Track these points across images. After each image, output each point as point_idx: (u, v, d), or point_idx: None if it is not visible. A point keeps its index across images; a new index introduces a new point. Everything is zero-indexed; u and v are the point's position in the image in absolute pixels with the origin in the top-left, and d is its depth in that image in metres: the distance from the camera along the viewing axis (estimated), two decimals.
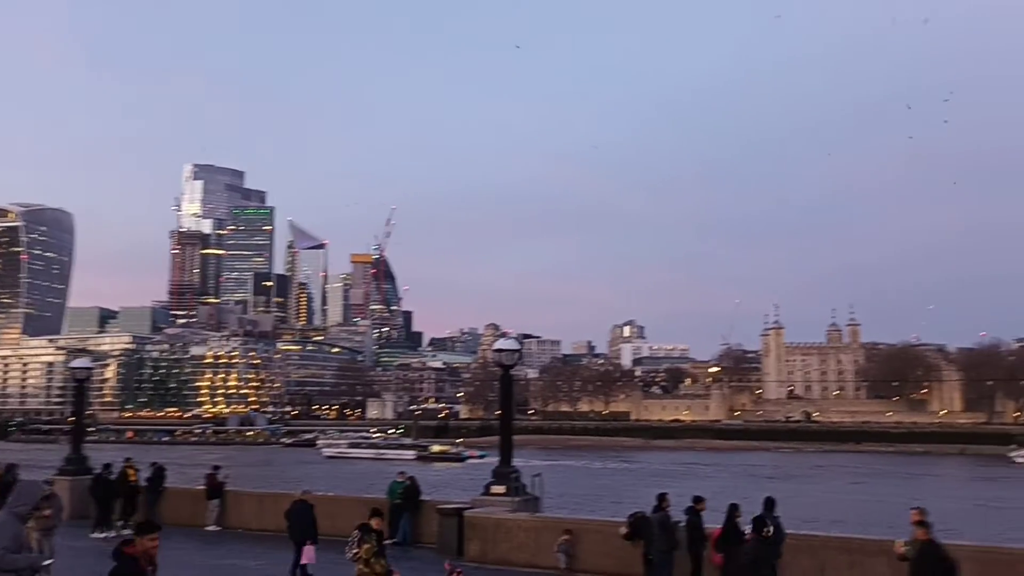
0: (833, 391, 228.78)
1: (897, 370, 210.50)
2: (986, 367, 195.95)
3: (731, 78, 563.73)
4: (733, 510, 16.45)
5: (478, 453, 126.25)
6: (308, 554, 17.52)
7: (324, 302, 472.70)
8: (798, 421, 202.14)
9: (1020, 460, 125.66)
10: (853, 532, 24.36)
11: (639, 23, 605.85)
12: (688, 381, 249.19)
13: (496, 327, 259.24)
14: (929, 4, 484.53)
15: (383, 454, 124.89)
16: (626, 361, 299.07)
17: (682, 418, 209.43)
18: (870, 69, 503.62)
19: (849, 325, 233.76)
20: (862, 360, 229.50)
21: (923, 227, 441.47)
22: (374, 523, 12.72)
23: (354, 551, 11.75)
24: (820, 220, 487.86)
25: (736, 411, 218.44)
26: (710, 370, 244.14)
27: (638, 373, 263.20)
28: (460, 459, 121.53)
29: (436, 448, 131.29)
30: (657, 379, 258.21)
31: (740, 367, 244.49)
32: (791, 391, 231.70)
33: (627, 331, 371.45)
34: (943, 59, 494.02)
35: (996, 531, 48.75)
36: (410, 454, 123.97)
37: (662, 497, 17.32)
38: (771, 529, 14.74)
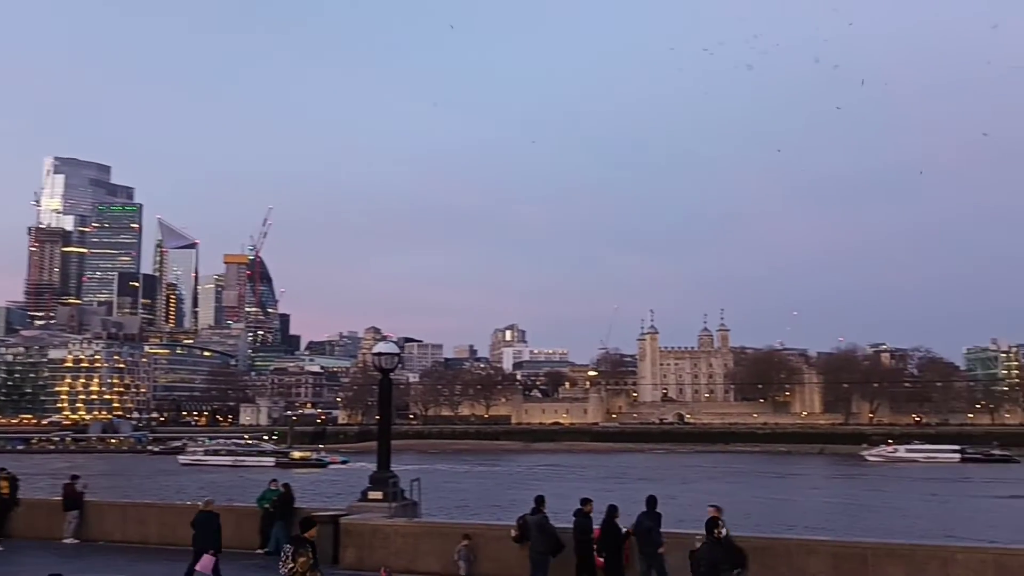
0: (704, 394, 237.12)
1: (763, 373, 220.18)
2: (844, 371, 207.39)
3: (616, 90, 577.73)
4: (612, 511, 16.85)
5: (340, 459, 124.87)
6: (204, 563, 16.89)
7: (195, 304, 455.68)
8: (671, 423, 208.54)
9: (872, 458, 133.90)
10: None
11: (531, 30, 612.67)
12: (567, 384, 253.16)
13: (377, 331, 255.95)
14: (809, 32, 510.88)
15: (241, 461, 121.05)
16: (507, 365, 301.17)
17: (561, 421, 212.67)
18: (744, 90, 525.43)
19: (720, 331, 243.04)
20: (731, 364, 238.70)
21: (791, 240, 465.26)
22: (308, 535, 12.16)
23: (289, 566, 11.14)
24: (697, 230, 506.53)
25: (613, 414, 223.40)
26: (589, 374, 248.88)
27: (519, 377, 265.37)
28: (322, 465, 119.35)
29: (297, 454, 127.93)
30: (537, 383, 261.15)
31: (617, 371, 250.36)
32: (665, 394, 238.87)
33: (509, 335, 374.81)
34: (820, 83, 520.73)
35: (850, 526, 51.74)
36: (270, 461, 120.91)
37: (540, 500, 17.47)
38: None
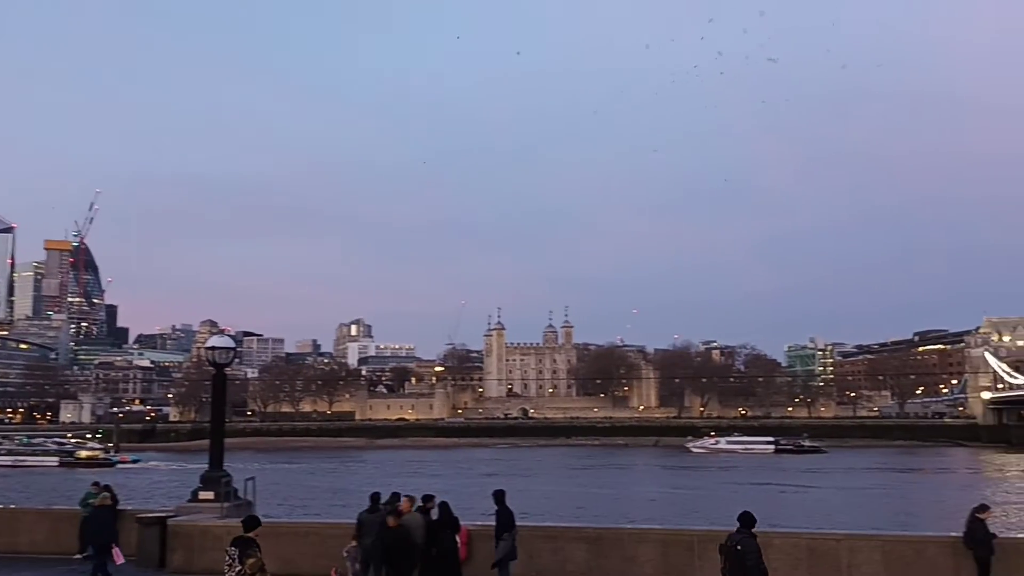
0: (548, 389, 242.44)
1: (604, 369, 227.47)
2: (678, 366, 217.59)
3: (469, 85, 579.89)
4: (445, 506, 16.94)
5: (131, 457, 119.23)
6: (118, 555, 16.68)
7: (11, 293, 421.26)
8: (516, 418, 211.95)
9: (696, 450, 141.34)
10: (556, 521, 26.03)
11: (384, 22, 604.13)
12: (414, 380, 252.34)
13: (213, 323, 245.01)
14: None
15: (22, 461, 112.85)
16: (352, 360, 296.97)
17: (407, 417, 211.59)
18: (600, 85, 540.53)
19: (564, 328, 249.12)
20: (574, 360, 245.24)
21: (634, 242, 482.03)
22: (254, 534, 11.54)
23: (237, 568, 10.64)
24: (544, 228, 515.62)
25: (459, 409, 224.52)
26: (435, 369, 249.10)
27: (364, 372, 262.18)
28: (110, 464, 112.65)
29: (84, 453, 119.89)
30: (383, 378, 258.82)
31: (464, 366, 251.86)
32: (510, 389, 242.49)
33: (354, 330, 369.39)
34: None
35: (678, 515, 54.25)
36: (53, 460, 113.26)
37: (376, 497, 17.23)
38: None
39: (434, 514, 16.98)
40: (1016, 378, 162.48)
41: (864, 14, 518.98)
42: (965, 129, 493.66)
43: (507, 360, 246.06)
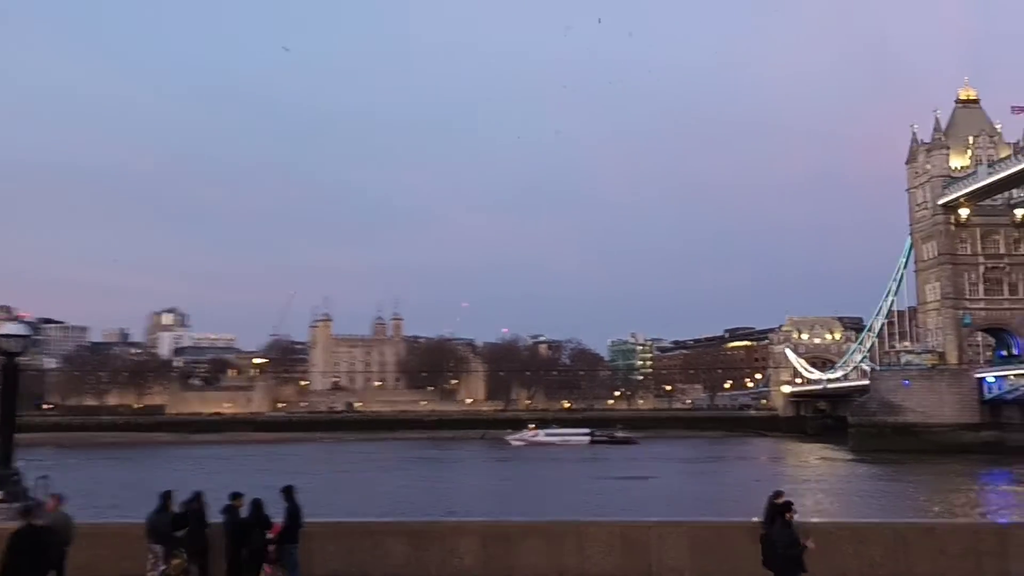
0: (376, 382, 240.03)
1: (433, 362, 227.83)
2: (506, 360, 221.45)
3: (295, 69, 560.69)
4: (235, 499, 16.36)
5: None
6: None
7: None
8: (341, 411, 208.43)
9: (515, 443, 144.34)
10: (376, 516, 25.73)
11: (206, 9, 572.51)
12: (233, 372, 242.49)
13: (8, 309, 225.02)
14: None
15: None
16: (165, 351, 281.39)
17: (224, 411, 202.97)
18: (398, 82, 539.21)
19: (394, 320, 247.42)
20: (403, 353, 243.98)
21: (465, 235, 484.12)
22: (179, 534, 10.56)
23: (161, 568, 10.04)
24: (376, 219, 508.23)
25: (281, 403, 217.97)
26: (256, 361, 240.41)
27: (178, 364, 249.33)
28: None
29: None
30: (199, 370, 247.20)
31: (288, 358, 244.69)
32: (336, 382, 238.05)
33: (168, 319, 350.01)
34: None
35: (498, 507, 55.18)
36: None
37: (166, 495, 16.29)
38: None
39: (243, 512, 16.30)
40: (812, 373, 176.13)
41: (702, 44, 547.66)
42: (775, 151, 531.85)
43: (334, 352, 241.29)
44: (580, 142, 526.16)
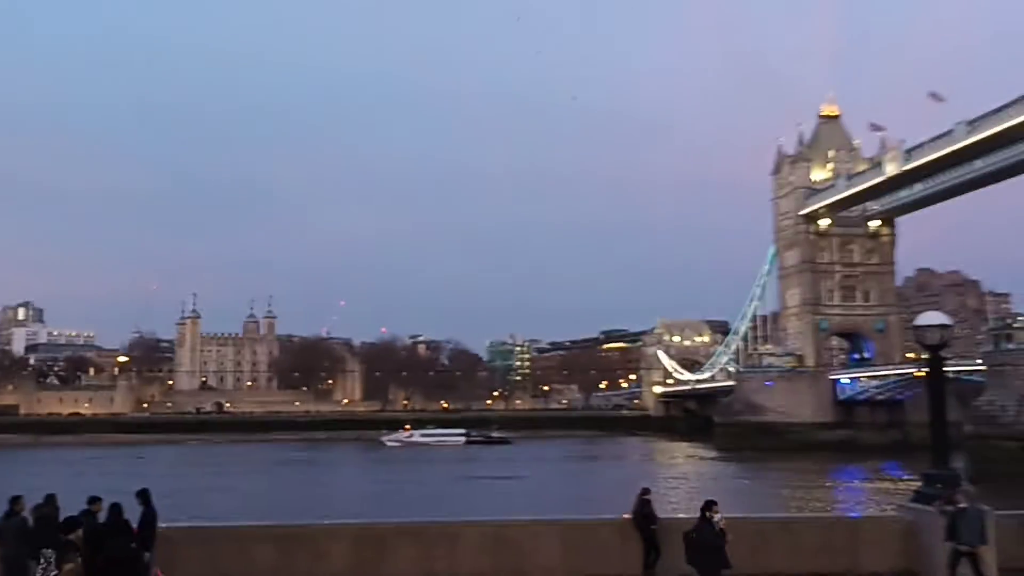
0: (247, 382, 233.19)
1: (308, 362, 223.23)
2: (384, 360, 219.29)
3: (166, 53, 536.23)
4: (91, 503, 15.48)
5: None
6: None
7: None
8: (209, 412, 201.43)
9: (390, 444, 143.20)
10: (243, 520, 24.87)
11: None
12: (92, 371, 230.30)
13: None
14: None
15: None
16: (18, 348, 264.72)
17: (82, 411, 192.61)
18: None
19: (267, 318, 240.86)
20: (276, 352, 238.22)
21: (345, 232, 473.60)
22: (73, 537, 10.52)
23: (52, 573, 10.21)
24: (250, 213, 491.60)
25: (146, 403, 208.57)
26: (118, 360, 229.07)
27: (32, 362, 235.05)
28: None
29: None
30: (56, 369, 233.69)
31: (153, 356, 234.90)
32: (205, 382, 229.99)
33: (21, 314, 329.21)
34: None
35: (372, 509, 54.54)
36: None
37: (15, 500, 15.25)
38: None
39: (101, 517, 15.39)
40: (682, 374, 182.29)
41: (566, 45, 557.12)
42: (653, 154, 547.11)
43: (202, 351, 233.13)
44: (465, 142, 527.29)
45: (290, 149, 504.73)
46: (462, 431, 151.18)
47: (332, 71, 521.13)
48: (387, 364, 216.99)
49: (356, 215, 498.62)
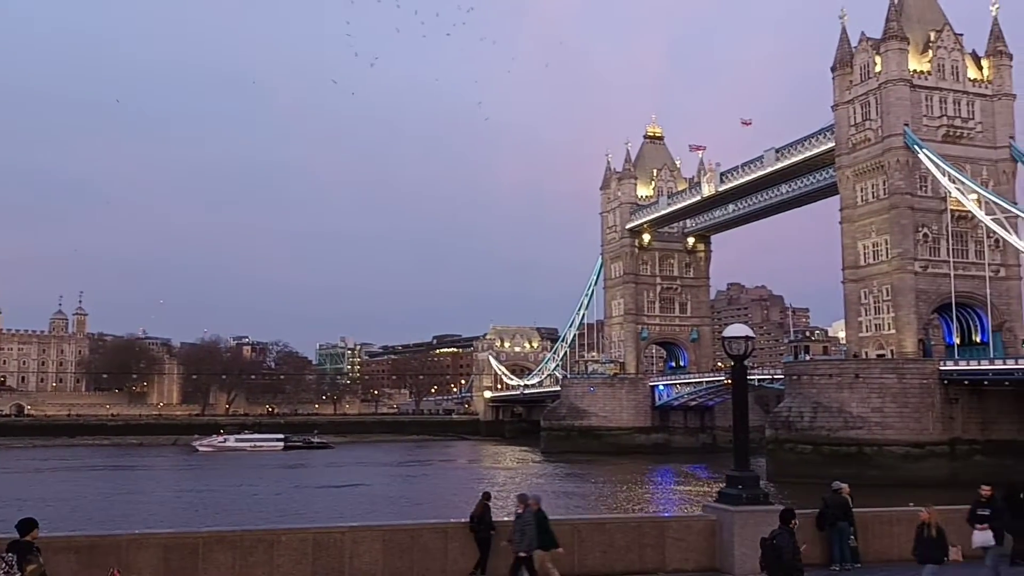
0: (52, 383, 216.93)
1: (121, 362, 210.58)
2: (205, 362, 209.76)
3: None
4: None
5: None
6: None
7: None
8: (8, 415, 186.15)
9: (203, 448, 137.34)
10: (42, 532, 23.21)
11: None
12: None
13: None
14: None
15: None
16: None
17: None
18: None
19: (77, 315, 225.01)
20: (87, 351, 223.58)
21: (165, 228, 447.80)
22: (32, 536, 10.89)
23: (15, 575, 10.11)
24: (59, 204, 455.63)
25: None
26: None
27: None
28: None
29: None
30: None
31: None
32: (3, 382, 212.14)
33: None
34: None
35: (186, 518, 52.25)
36: None
37: None
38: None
39: None
40: (512, 379, 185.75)
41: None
42: (486, 165, 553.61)
43: (2, 349, 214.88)
44: (293, 146, 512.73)
45: (118, 144, 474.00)
46: (280, 436, 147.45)
47: (177, 66, 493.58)
48: (209, 366, 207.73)
49: (186, 212, 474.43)
